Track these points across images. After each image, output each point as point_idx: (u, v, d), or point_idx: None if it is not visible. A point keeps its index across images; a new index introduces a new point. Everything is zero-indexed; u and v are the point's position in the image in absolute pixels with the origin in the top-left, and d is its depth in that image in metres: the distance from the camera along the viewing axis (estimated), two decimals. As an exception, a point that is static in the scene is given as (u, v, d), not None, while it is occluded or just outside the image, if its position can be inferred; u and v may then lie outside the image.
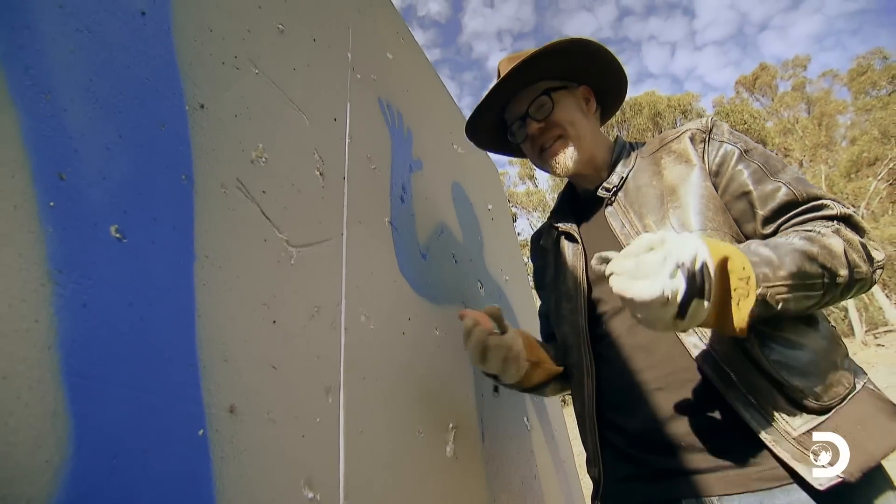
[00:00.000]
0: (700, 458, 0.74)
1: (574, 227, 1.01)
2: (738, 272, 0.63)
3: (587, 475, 0.94)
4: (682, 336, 0.79)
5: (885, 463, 0.71)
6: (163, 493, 0.46)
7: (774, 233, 0.80)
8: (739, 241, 0.80)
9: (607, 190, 0.95)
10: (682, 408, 0.78)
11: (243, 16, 0.80)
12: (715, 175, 0.87)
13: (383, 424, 0.81)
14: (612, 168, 0.98)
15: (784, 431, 0.69)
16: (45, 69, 0.48)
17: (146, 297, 0.51)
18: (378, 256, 0.98)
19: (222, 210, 0.64)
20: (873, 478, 0.68)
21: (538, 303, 1.23)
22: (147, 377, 0.48)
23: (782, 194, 0.80)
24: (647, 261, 0.59)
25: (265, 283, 0.67)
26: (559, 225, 1.04)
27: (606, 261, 0.64)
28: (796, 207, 0.79)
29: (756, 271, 0.64)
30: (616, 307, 0.89)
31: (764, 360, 0.72)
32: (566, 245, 1.02)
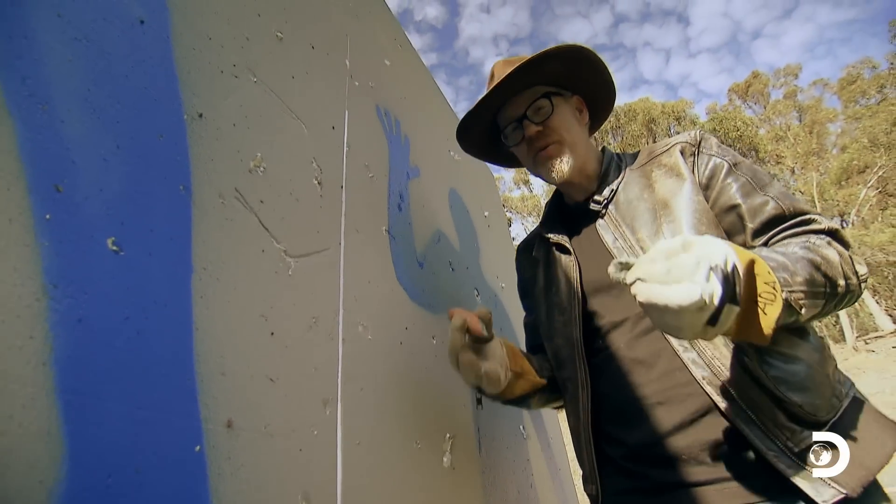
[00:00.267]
0: (700, 471, 0.75)
1: (566, 238, 1.00)
2: (764, 276, 0.61)
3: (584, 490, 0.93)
4: (679, 351, 0.79)
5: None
6: (158, 511, 0.45)
7: (765, 245, 0.81)
8: None
9: (598, 203, 0.94)
10: (682, 422, 0.78)
11: (242, 23, 0.79)
12: (705, 188, 0.87)
13: (381, 436, 0.80)
14: (601, 179, 0.97)
15: (785, 447, 0.70)
16: (42, 79, 0.48)
17: (143, 311, 0.50)
18: (375, 265, 0.97)
19: (220, 220, 0.63)
20: (870, 491, 0.69)
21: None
22: (144, 393, 0.47)
23: (770, 208, 0.81)
24: (679, 264, 0.55)
25: (263, 295, 0.66)
26: (550, 236, 1.03)
27: (627, 267, 0.60)
28: (784, 221, 0.80)
29: (777, 276, 0.63)
30: (613, 321, 0.89)
31: (764, 377, 0.72)
32: (558, 256, 1.00)
